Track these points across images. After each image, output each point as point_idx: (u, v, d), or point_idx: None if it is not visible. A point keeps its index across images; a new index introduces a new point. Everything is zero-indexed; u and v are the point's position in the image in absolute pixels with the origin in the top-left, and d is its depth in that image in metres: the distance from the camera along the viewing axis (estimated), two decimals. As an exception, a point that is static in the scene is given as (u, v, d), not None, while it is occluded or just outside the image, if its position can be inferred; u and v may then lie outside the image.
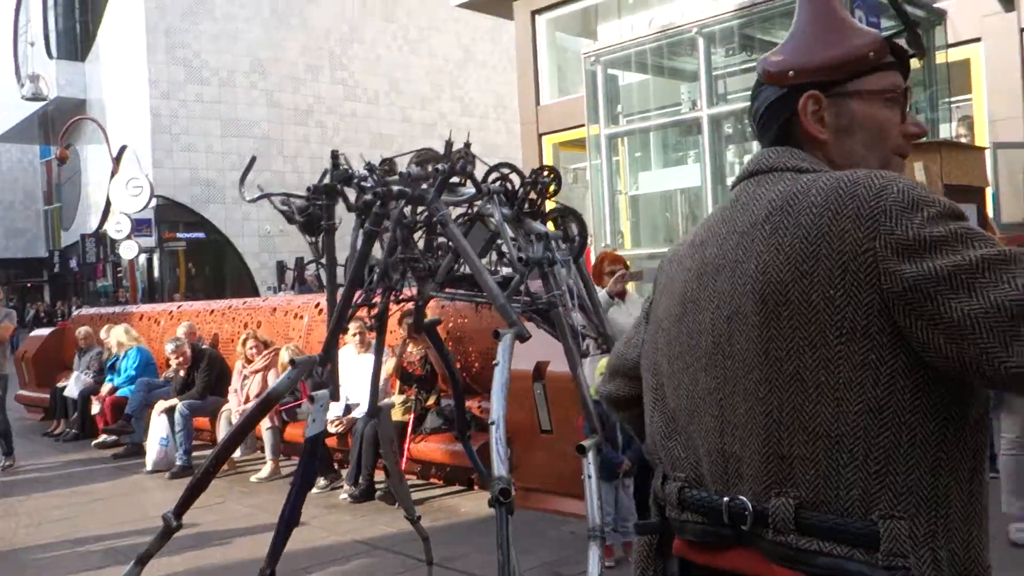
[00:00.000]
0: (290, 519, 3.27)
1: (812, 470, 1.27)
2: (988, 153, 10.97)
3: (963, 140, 12.05)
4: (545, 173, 3.67)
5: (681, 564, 1.46)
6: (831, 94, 1.44)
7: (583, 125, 11.27)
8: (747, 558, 1.34)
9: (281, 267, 29.17)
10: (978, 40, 12.40)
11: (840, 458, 1.25)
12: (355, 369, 7.12)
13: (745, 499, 1.32)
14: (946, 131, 10.47)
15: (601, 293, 5.32)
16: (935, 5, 10.35)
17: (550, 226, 3.66)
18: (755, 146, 7.32)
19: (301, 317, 8.88)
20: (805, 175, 1.37)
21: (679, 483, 1.44)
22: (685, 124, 10.77)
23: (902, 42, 1.51)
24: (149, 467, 8.18)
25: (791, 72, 1.46)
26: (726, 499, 1.35)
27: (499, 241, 3.61)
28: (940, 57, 10.13)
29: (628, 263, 6.44)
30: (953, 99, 11.56)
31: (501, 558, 2.45)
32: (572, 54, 15.29)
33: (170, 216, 29.48)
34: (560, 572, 4.86)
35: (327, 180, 3.51)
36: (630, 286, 6.18)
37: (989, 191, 10.53)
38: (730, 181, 8.92)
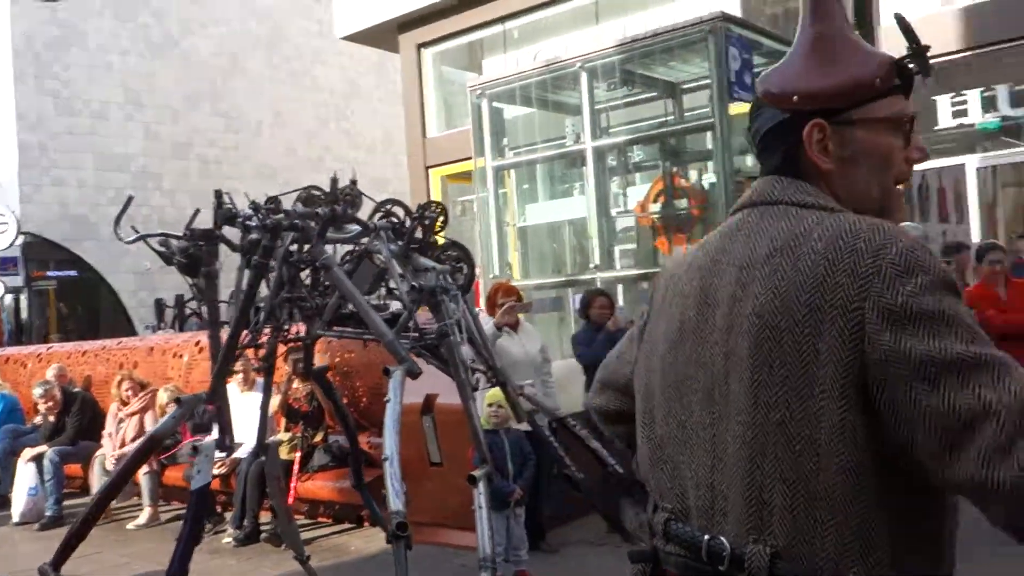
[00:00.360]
0: (177, 575, 3.14)
1: (790, 522, 1.26)
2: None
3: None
4: (432, 208, 3.67)
5: None
6: (835, 122, 1.39)
7: (470, 158, 11.33)
8: None
9: (160, 305, 28.15)
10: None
11: (817, 514, 1.24)
12: (238, 408, 6.91)
13: (724, 540, 1.32)
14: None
15: (488, 325, 5.34)
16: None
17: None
18: (638, 178, 7.48)
19: (181, 356, 8.60)
20: (810, 214, 1.35)
21: (665, 514, 1.45)
22: (570, 156, 10.95)
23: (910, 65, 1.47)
24: (16, 518, 7.73)
25: (795, 97, 1.40)
26: (707, 538, 1.35)
27: (387, 277, 3.58)
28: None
29: (522, 294, 6.49)
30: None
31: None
32: (458, 87, 15.39)
33: (39, 254, 28.10)
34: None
35: (212, 221, 3.42)
36: (522, 316, 6.23)
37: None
38: (615, 212, 9.11)
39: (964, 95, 12.54)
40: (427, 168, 16.18)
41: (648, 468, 1.51)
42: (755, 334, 1.29)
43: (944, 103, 12.67)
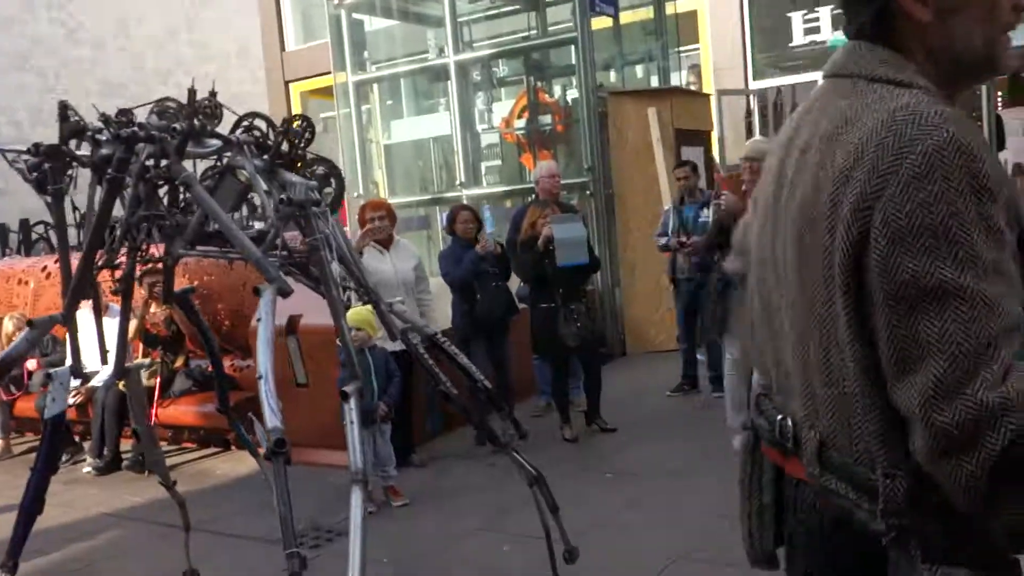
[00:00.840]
0: (32, 507, 3.01)
1: (830, 414, 1.30)
2: (713, 99, 11.82)
3: (692, 87, 12.89)
4: (297, 123, 3.54)
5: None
6: None
7: (331, 72, 10.99)
8: (800, 468, 1.39)
9: (3, 230, 26.42)
10: (703, -8, 13.26)
11: (849, 409, 1.27)
12: (92, 334, 6.62)
13: (790, 421, 1.40)
14: (676, 79, 11.13)
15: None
16: (664, -41, 10.92)
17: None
18: (503, 93, 7.38)
19: (26, 283, 8.13)
20: (874, 90, 1.27)
21: (759, 389, 1.52)
22: (433, 71, 10.76)
23: None
24: None
25: None
26: (779, 417, 1.43)
27: (252, 194, 3.45)
28: (669, 8, 10.72)
29: (392, 209, 6.38)
30: (682, 48, 12.30)
31: (283, 510, 2.39)
32: (317, -2, 14.81)
33: None
34: (320, 524, 4.84)
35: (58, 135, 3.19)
36: (396, 233, 6.15)
37: (715, 134, 11.37)
38: (480, 128, 9.01)
39: (816, 12, 12.93)
40: (287, 83, 15.63)
41: (747, 339, 1.57)
42: (797, 226, 1.30)
43: (797, 20, 13.04)
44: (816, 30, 12.89)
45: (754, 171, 5.59)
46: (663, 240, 7.01)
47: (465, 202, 8.79)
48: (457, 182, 9.85)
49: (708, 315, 5.89)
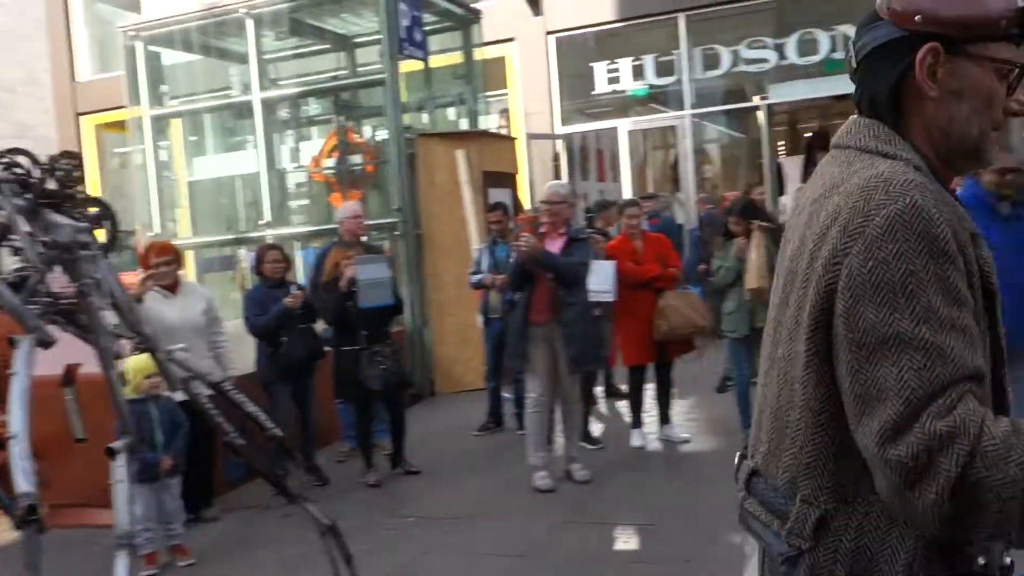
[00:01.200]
0: None
1: (767, 444, 1.45)
2: (523, 143, 12.12)
3: (503, 131, 13.17)
4: (65, 158, 3.32)
5: None
6: (950, 52, 1.36)
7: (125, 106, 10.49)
8: None
9: None
10: (512, 40, 13.61)
11: (784, 442, 1.41)
12: None
13: (737, 459, 1.59)
14: (485, 123, 11.34)
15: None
16: (472, 5, 11.14)
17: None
18: (315, 132, 7.27)
19: None
20: (863, 160, 1.39)
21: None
22: (236, 108, 10.47)
23: None
24: None
25: (918, 17, 1.36)
26: (738, 454, 1.61)
27: (13, 236, 3.20)
28: (479, 54, 10.93)
29: (180, 252, 6.12)
30: (492, 93, 12.56)
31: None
32: (115, 27, 14.15)
33: None
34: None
35: None
36: (183, 275, 5.88)
37: (523, 177, 11.64)
38: (289, 167, 8.83)
39: (617, 63, 13.54)
40: (78, 115, 14.79)
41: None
42: (784, 276, 1.44)
43: (600, 70, 13.61)
44: (617, 80, 13.50)
45: (552, 213, 5.74)
46: (476, 278, 7.09)
47: (271, 242, 8.55)
48: (262, 221, 9.58)
49: (511, 353, 5.97)
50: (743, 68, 13.00)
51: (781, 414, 1.42)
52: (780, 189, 12.50)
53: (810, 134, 14.82)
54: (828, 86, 12.81)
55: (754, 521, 1.48)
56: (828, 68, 12.46)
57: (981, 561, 1.32)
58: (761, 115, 13.16)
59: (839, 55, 12.25)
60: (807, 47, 12.50)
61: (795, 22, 12.73)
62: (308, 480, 6.22)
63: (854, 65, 1.47)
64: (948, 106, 1.39)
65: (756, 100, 13.21)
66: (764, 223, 5.90)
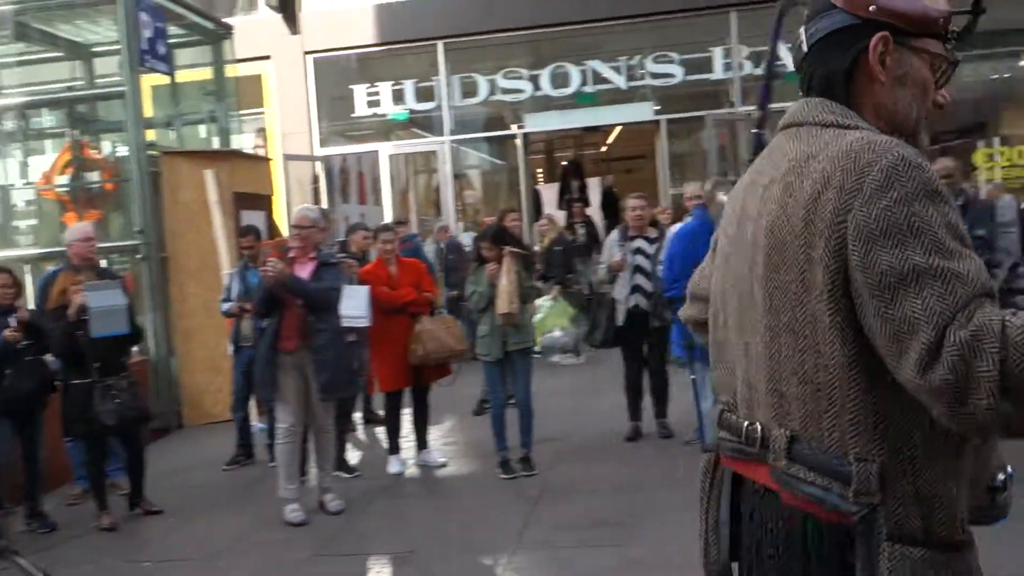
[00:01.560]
0: None
1: (802, 409, 1.45)
2: (280, 164, 11.79)
3: (260, 151, 12.77)
4: None
5: (732, 473, 1.65)
6: (898, 42, 1.50)
7: None
8: (766, 475, 1.52)
9: None
10: (268, 58, 13.26)
11: (821, 404, 1.42)
12: None
13: (758, 425, 1.53)
14: (238, 142, 10.91)
15: None
16: (224, 19, 10.74)
17: None
18: (48, 146, 6.66)
19: None
20: (827, 132, 1.47)
21: (721, 407, 1.66)
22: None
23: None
24: None
25: (872, 7, 1.48)
26: (746, 424, 1.56)
27: None
28: (231, 71, 10.51)
29: None
30: (247, 112, 12.14)
31: None
32: None
33: None
34: None
35: None
36: None
37: (279, 199, 11.31)
38: (17, 183, 8.08)
39: (377, 87, 13.52)
40: None
41: (713, 367, 1.72)
42: (767, 246, 1.46)
43: (360, 93, 13.54)
44: (378, 103, 13.47)
45: (303, 238, 5.57)
46: (226, 306, 6.77)
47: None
48: (-18, 242, 8.70)
49: (260, 382, 5.72)
50: (500, 97, 13.37)
51: (809, 377, 1.44)
52: (537, 215, 12.91)
53: (565, 163, 15.44)
54: (580, 117, 13.44)
55: (807, 486, 1.45)
56: (580, 101, 13.07)
57: (1000, 477, 1.53)
58: (519, 143, 13.57)
59: (589, 88, 12.88)
60: (560, 79, 13.03)
61: (548, 55, 13.26)
62: (34, 526, 5.67)
63: (805, 49, 1.58)
64: (894, 90, 1.53)
65: (514, 129, 13.62)
66: (515, 249, 6.03)
